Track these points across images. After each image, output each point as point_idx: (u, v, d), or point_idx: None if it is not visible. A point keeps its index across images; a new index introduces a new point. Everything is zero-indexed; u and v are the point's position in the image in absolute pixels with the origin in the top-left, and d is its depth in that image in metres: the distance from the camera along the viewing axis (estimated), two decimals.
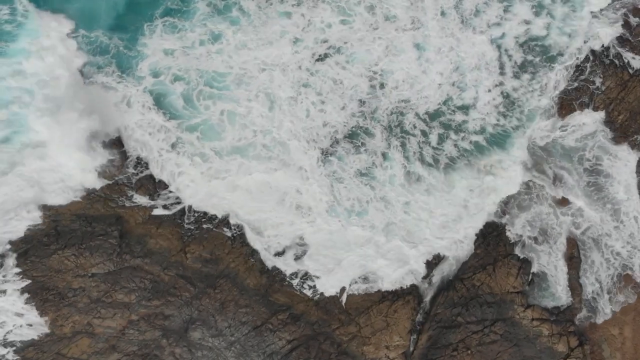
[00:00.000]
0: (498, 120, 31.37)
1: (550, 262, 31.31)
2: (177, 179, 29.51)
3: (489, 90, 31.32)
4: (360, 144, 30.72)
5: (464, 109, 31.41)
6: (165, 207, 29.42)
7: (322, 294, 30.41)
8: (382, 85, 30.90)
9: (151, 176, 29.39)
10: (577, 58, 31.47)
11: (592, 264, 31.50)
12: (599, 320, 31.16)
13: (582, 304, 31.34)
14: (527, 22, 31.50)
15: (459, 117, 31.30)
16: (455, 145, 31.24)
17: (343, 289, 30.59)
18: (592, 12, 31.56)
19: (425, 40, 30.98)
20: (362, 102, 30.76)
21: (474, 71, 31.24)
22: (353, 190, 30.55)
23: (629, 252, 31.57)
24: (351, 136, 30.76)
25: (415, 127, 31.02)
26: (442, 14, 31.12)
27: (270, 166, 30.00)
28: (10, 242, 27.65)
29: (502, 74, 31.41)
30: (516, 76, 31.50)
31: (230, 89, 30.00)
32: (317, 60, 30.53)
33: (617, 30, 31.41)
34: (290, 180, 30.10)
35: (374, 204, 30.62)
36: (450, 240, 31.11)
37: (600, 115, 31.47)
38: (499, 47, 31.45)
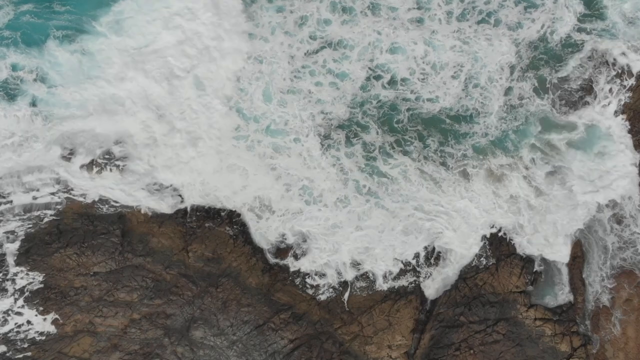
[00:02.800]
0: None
1: (553, 261, 31.34)
2: (174, 168, 29.29)
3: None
4: (356, 137, 30.45)
5: (476, 114, 31.01)
6: (166, 205, 29.38)
7: (324, 292, 30.37)
8: (377, 78, 30.38)
9: None
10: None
11: (593, 262, 31.46)
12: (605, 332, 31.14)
13: (585, 303, 31.33)
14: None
15: (467, 123, 30.98)
16: (462, 149, 30.99)
17: (345, 288, 30.54)
18: None
19: (433, 37, 30.48)
20: (365, 99, 30.55)
21: (490, 72, 30.78)
22: (360, 185, 30.38)
23: (629, 251, 31.55)
24: (352, 131, 30.56)
25: (417, 129, 30.79)
26: (456, 14, 30.60)
27: (271, 154, 29.80)
28: (11, 241, 27.63)
29: (511, 78, 31.04)
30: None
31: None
32: (314, 53, 30.10)
33: None
34: (293, 169, 29.94)
35: (380, 202, 30.47)
36: (458, 241, 31.04)
37: None
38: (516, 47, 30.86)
